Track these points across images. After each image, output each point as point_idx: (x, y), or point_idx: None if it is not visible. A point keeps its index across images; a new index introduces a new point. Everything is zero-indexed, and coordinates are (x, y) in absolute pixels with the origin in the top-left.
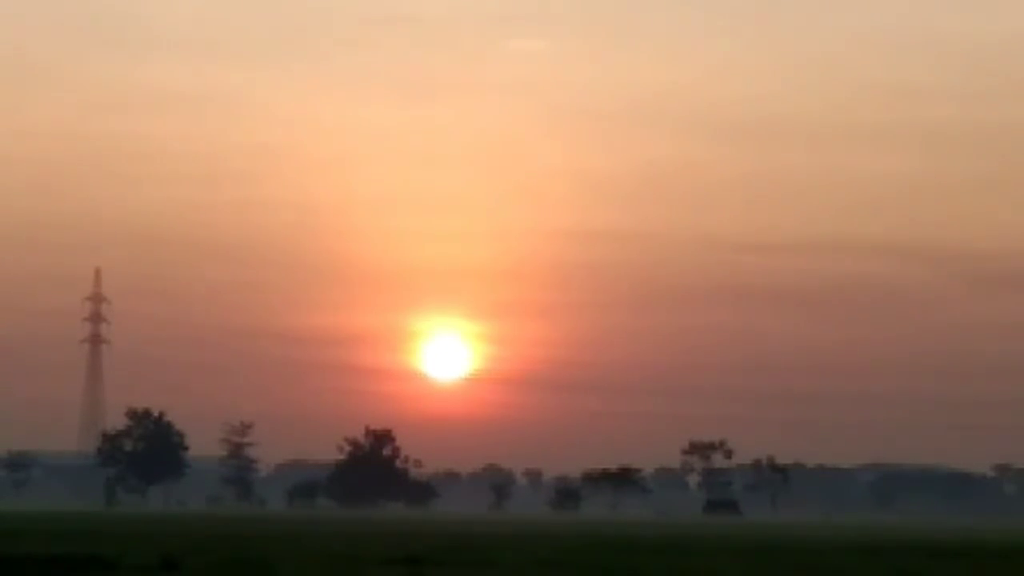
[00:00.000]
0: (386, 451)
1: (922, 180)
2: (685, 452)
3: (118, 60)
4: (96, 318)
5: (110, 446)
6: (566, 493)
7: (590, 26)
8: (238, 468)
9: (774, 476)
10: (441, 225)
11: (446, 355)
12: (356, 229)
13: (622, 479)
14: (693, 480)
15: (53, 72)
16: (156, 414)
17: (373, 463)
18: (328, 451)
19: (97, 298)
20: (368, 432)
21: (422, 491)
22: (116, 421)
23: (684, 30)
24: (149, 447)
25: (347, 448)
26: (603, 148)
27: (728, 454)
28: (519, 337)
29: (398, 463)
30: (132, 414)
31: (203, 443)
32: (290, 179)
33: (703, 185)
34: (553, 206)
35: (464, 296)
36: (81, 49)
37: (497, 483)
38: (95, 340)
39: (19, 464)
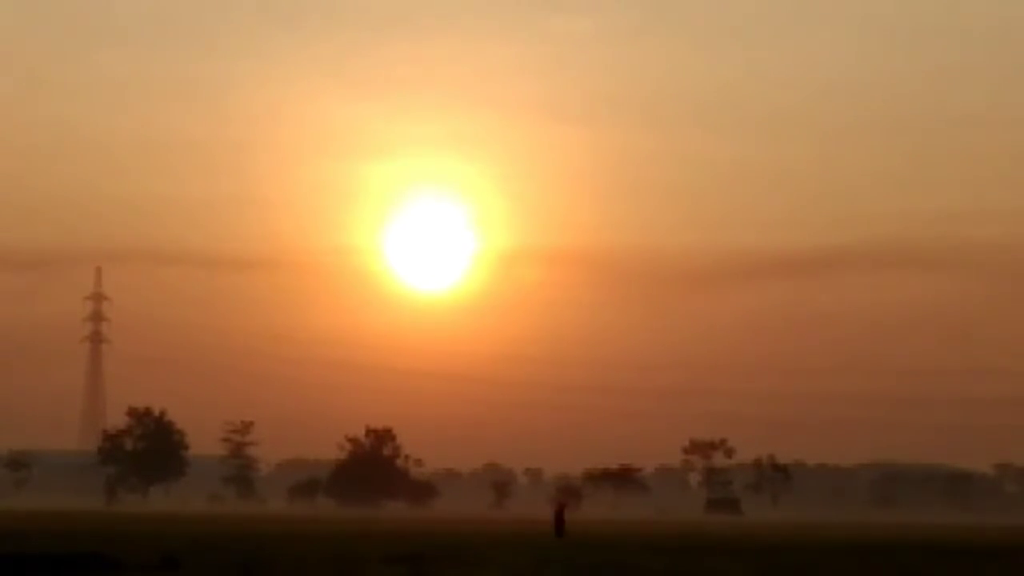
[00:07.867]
0: (387, 450)
1: None
2: (686, 451)
3: (70, 48)
4: (96, 317)
5: (111, 445)
6: (567, 492)
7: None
8: (239, 467)
9: (775, 475)
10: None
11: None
12: (356, 226)
13: (623, 478)
14: (694, 479)
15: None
16: (157, 413)
17: (374, 462)
18: (329, 450)
19: (97, 297)
20: (369, 431)
21: (423, 490)
22: (117, 420)
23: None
24: (150, 446)
25: (348, 447)
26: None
27: (729, 453)
28: (518, 335)
29: (399, 462)
30: (133, 413)
31: (203, 442)
32: (286, 176)
33: (713, 184)
34: (551, 202)
35: (463, 292)
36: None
37: (498, 482)
38: (95, 339)
39: (20, 463)
